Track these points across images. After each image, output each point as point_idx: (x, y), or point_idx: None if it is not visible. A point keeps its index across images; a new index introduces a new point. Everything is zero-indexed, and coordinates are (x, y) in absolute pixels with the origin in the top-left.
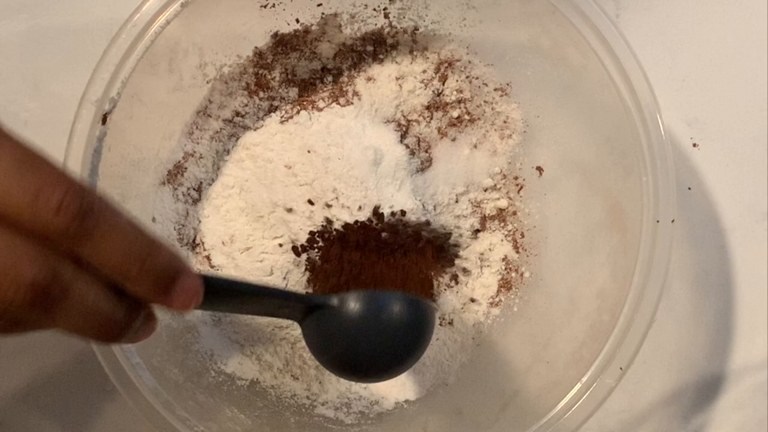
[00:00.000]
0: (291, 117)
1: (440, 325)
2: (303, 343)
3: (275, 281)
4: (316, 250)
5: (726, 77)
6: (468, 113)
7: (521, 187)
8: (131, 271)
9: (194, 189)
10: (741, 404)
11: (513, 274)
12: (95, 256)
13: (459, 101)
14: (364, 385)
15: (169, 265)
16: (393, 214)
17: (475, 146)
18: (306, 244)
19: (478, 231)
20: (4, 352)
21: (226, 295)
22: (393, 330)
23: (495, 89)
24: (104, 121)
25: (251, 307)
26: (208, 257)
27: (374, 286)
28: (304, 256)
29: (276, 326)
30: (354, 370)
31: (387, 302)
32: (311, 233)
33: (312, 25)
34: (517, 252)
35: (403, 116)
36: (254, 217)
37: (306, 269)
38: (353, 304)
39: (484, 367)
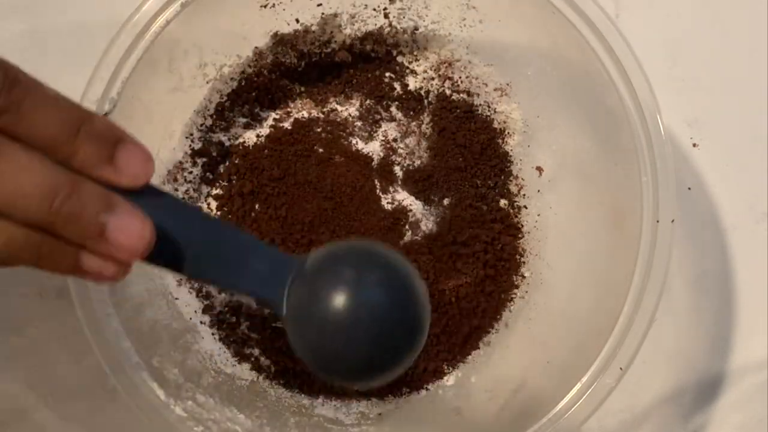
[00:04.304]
0: (291, 117)
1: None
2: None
3: None
4: None
5: (726, 77)
6: (468, 113)
7: (521, 187)
8: (68, 139)
9: (194, 189)
10: (741, 404)
11: (513, 274)
12: (28, 130)
13: (459, 101)
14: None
15: (108, 130)
16: (393, 210)
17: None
18: None
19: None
20: (4, 353)
21: (175, 217)
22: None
23: (495, 89)
24: None
25: (210, 262)
26: None
27: None
28: None
29: (275, 326)
30: (352, 368)
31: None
32: None
33: (312, 25)
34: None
35: (404, 116)
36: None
37: None
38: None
39: (484, 367)
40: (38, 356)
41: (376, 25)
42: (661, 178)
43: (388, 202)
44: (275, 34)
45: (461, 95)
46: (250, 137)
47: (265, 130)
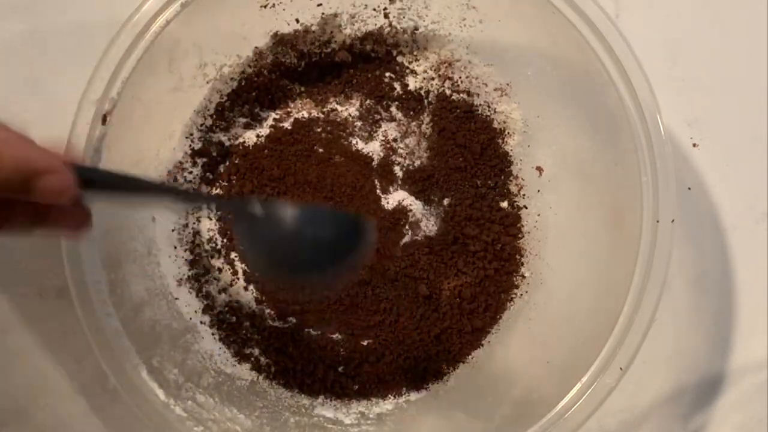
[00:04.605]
0: (291, 117)
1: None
2: (304, 342)
3: None
4: None
5: (726, 77)
6: (468, 113)
7: (521, 187)
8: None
9: (194, 189)
10: (741, 404)
11: (513, 274)
12: None
13: (459, 101)
14: (356, 384)
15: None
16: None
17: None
18: None
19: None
20: (4, 353)
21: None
22: (326, 241)
23: (495, 89)
24: (104, 121)
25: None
26: (208, 257)
27: None
28: None
29: (275, 326)
30: (283, 267)
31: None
32: None
33: (312, 25)
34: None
35: (404, 116)
36: None
37: None
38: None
39: (484, 367)
40: (38, 356)
41: (376, 25)
42: (661, 178)
43: (387, 202)
44: (275, 34)
45: (461, 95)
46: (250, 137)
47: (265, 130)
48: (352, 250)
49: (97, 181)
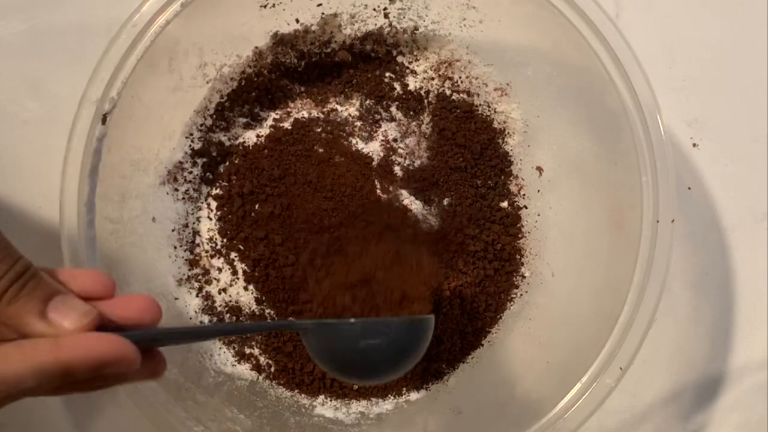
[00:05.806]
0: (291, 117)
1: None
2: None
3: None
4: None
5: (726, 77)
6: (468, 113)
7: (521, 187)
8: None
9: (194, 189)
10: (741, 404)
11: (513, 274)
12: None
13: (459, 101)
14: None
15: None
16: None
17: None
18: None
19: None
20: None
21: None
22: (392, 351)
23: (495, 89)
24: (104, 121)
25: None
26: (208, 257)
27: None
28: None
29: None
30: (353, 377)
31: (385, 330)
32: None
33: (312, 25)
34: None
35: (404, 116)
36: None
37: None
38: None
39: (484, 367)
40: None
41: (376, 25)
42: (661, 178)
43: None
44: (275, 34)
45: (461, 95)
46: (250, 137)
47: (265, 130)
48: (413, 348)
49: (161, 340)
